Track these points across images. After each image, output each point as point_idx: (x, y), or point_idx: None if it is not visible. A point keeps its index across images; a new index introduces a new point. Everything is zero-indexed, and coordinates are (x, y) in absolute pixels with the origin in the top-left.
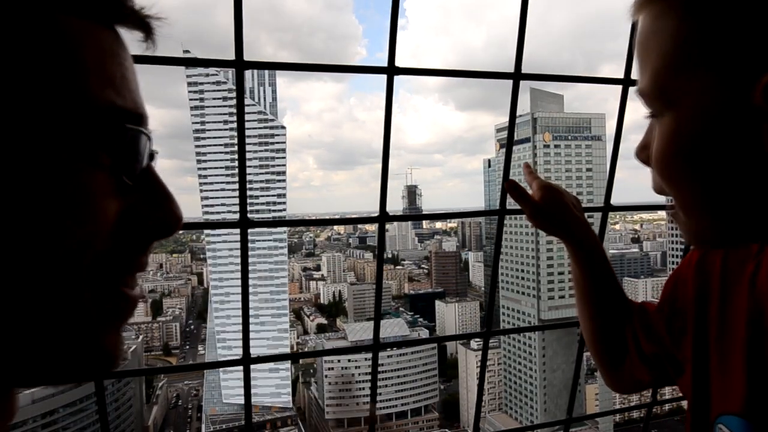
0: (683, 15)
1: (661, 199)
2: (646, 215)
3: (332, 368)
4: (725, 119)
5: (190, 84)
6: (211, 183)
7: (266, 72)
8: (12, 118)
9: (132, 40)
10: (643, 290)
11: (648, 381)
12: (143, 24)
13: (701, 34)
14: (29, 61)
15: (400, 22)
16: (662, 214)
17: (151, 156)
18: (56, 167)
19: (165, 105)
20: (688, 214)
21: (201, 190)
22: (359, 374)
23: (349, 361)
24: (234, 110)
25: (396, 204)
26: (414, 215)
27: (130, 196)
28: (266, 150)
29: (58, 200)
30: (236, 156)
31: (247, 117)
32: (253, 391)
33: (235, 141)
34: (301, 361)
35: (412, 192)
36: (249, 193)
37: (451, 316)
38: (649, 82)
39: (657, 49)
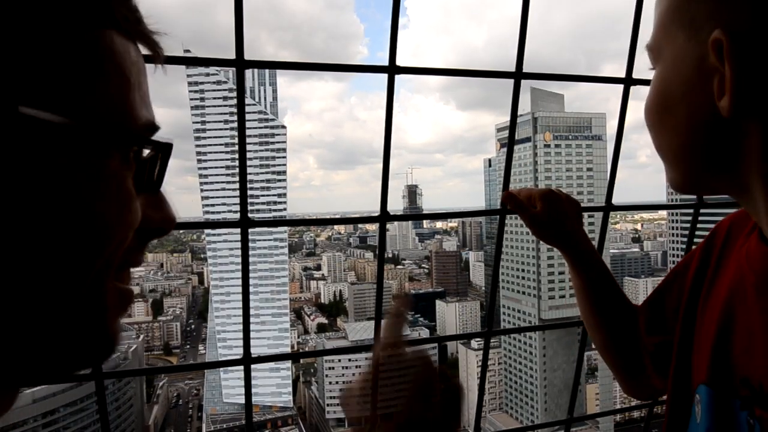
0: None
1: (662, 199)
2: (646, 215)
3: (333, 368)
4: (690, 74)
5: (190, 83)
6: (212, 182)
7: (267, 71)
8: (72, 135)
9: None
10: (643, 290)
11: (662, 386)
12: (152, 45)
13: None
14: (87, 76)
15: (401, 21)
16: (663, 213)
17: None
18: (108, 178)
19: (165, 104)
20: (665, 160)
21: (201, 190)
22: (359, 374)
23: (349, 360)
24: (234, 110)
25: (396, 204)
26: (414, 215)
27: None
28: (267, 149)
29: (106, 204)
30: (237, 155)
31: (247, 116)
32: (253, 390)
33: (236, 140)
34: (301, 360)
35: (412, 192)
36: (249, 192)
37: (451, 315)
38: (652, 36)
39: (660, 8)
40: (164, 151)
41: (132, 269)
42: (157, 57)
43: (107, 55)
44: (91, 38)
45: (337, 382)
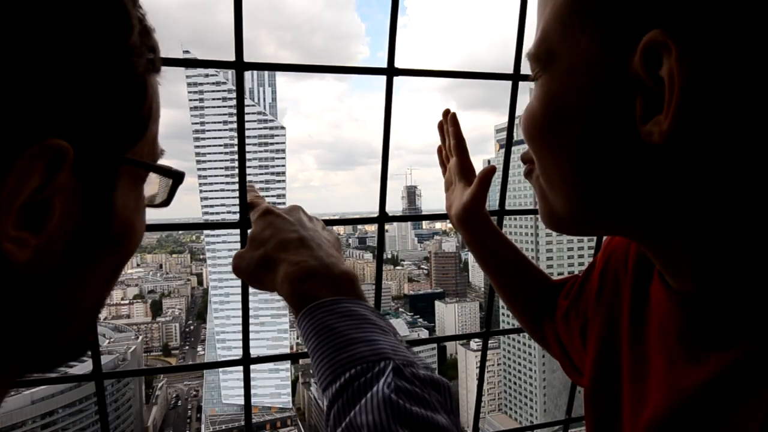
0: None
1: None
2: None
3: None
4: (602, 85)
5: (189, 84)
6: (211, 183)
7: (266, 72)
8: (105, 169)
9: None
10: None
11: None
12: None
13: None
14: (126, 108)
15: (402, 20)
16: None
17: None
18: (141, 198)
19: (165, 105)
20: (549, 185)
21: (201, 191)
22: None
23: None
24: (233, 110)
25: (396, 204)
26: (414, 216)
27: None
28: (266, 150)
29: (133, 216)
30: (236, 156)
31: (246, 117)
32: (252, 391)
33: (235, 141)
34: (300, 361)
35: (411, 192)
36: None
37: (450, 316)
38: (538, 40)
39: (551, 4)
40: (177, 178)
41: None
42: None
43: (153, 97)
44: (144, 82)
45: None
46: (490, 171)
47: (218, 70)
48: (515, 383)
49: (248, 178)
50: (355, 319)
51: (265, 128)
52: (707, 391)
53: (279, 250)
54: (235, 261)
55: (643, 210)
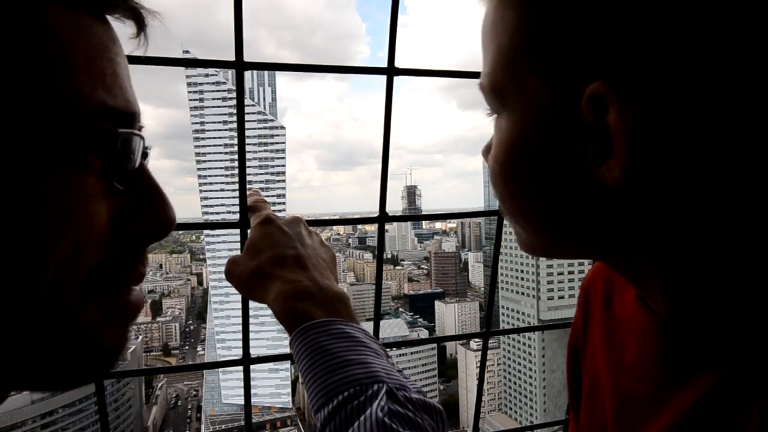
0: (523, 7)
1: None
2: None
3: None
4: (555, 130)
5: (189, 84)
6: (211, 183)
7: (266, 72)
8: None
9: (125, 38)
10: None
11: None
12: (135, 15)
13: (537, 30)
14: (10, 56)
15: (402, 20)
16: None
17: (144, 155)
18: (40, 172)
19: (165, 105)
20: (518, 223)
21: (200, 191)
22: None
23: None
24: (233, 110)
25: (396, 204)
26: (414, 215)
27: (120, 198)
28: (266, 150)
29: (42, 207)
30: (236, 156)
31: (246, 117)
32: (252, 391)
33: (235, 141)
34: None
35: (411, 192)
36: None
37: (450, 316)
38: (486, 77)
39: (496, 41)
40: (117, 136)
41: (135, 283)
42: (140, 31)
43: (37, 33)
44: (15, 16)
45: None
46: None
47: (218, 69)
48: (515, 383)
49: (248, 178)
50: (349, 341)
51: (265, 128)
52: (687, 420)
53: (275, 266)
54: (228, 265)
55: (610, 242)
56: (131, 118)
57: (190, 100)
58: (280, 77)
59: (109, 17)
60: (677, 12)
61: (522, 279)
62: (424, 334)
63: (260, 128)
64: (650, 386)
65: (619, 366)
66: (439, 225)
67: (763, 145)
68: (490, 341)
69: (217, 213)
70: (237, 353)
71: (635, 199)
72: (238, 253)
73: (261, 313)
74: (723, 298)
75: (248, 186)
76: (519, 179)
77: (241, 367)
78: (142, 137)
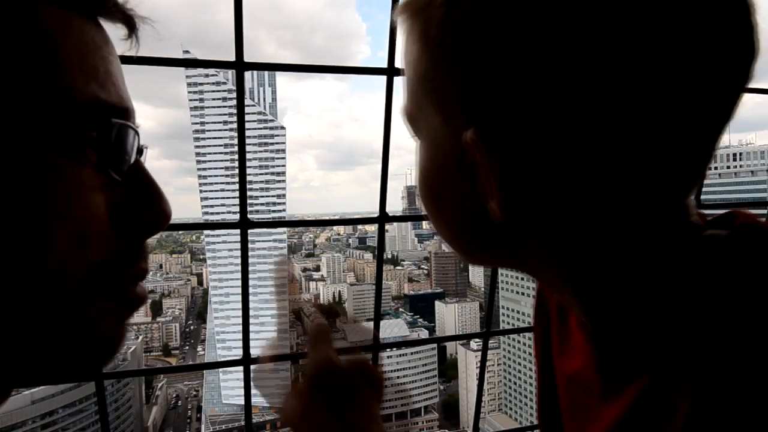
0: (419, 47)
1: None
2: None
3: None
4: (453, 165)
5: (189, 84)
6: (211, 183)
7: (266, 72)
8: None
9: (117, 39)
10: None
11: None
12: (126, 18)
13: (430, 71)
14: (5, 51)
15: None
16: None
17: (140, 151)
18: (38, 164)
19: (165, 105)
20: (443, 237)
21: (201, 191)
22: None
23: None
24: (234, 111)
25: (396, 205)
26: (414, 216)
27: (117, 192)
28: (266, 150)
29: (42, 199)
30: (236, 156)
31: (246, 117)
32: (252, 391)
33: (235, 141)
34: (300, 361)
35: (411, 192)
36: (249, 193)
37: (450, 316)
38: (403, 106)
39: (408, 73)
40: (111, 129)
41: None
42: (131, 34)
43: (32, 31)
44: (10, 15)
45: None
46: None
47: (218, 70)
48: (515, 383)
49: (248, 178)
50: None
51: (265, 128)
52: (623, 424)
53: None
54: (281, 412)
55: (517, 260)
56: (125, 112)
57: (191, 100)
58: (280, 77)
59: (101, 20)
60: (532, 72)
61: (522, 279)
62: (424, 334)
63: (260, 128)
64: (593, 396)
65: (570, 376)
66: None
67: (614, 172)
68: (490, 341)
69: (218, 213)
70: (237, 353)
71: (523, 228)
72: (238, 253)
73: (261, 313)
74: (632, 302)
75: (248, 186)
76: (430, 202)
77: (241, 367)
78: (136, 132)
